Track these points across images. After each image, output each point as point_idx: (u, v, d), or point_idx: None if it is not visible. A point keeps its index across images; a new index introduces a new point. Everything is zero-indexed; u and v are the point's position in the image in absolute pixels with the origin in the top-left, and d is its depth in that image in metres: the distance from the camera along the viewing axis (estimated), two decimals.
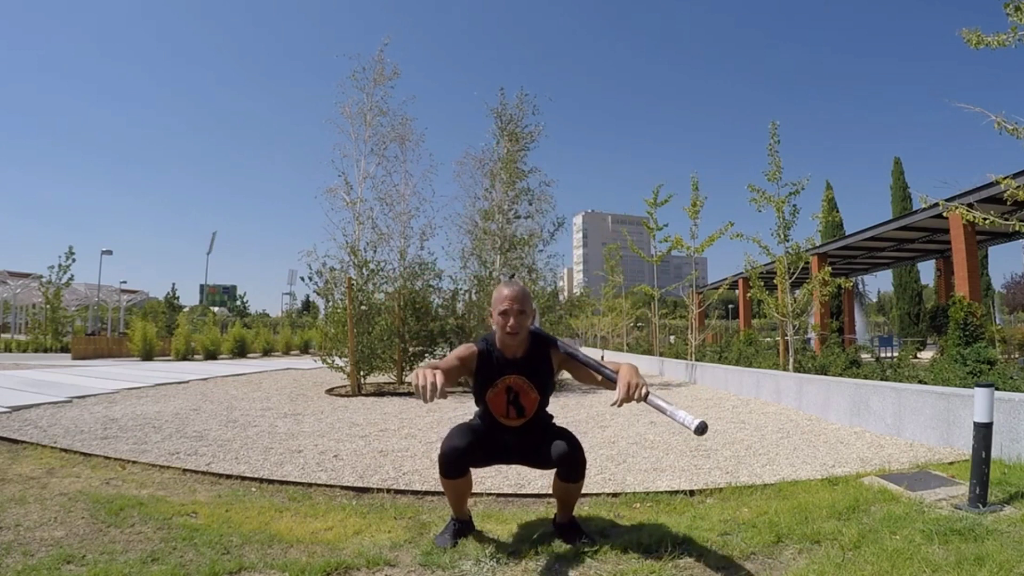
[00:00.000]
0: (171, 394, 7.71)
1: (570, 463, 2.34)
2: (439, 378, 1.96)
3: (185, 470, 3.68)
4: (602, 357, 20.22)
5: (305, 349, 25.93)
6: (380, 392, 8.39)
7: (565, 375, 2.57)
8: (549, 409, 2.54)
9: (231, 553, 2.27)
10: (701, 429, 1.87)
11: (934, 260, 20.38)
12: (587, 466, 2.43)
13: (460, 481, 2.37)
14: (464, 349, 2.41)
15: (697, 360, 11.64)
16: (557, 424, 2.55)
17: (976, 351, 6.49)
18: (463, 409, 5.77)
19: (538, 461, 2.47)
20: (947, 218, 11.76)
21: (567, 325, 14.88)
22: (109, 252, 35.99)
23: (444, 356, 9.57)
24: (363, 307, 8.80)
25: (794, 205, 8.49)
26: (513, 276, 2.44)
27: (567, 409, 6.37)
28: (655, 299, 15.22)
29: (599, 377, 2.30)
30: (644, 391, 2.05)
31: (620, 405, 2.04)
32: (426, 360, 9.68)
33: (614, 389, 2.11)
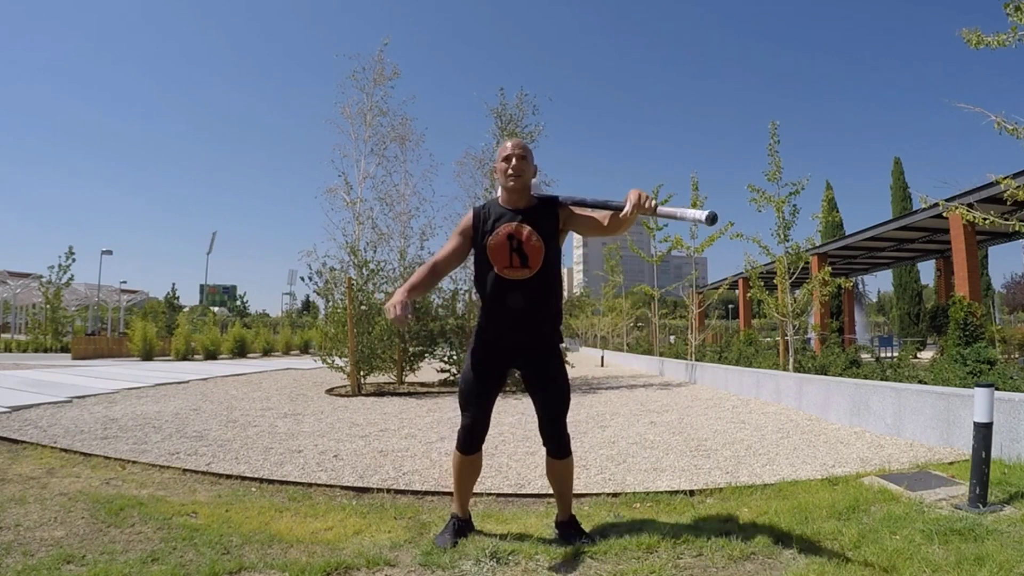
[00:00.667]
0: (171, 394, 7.71)
1: (554, 432, 2.41)
2: (403, 308, 2.12)
3: (185, 470, 3.68)
4: (602, 357, 20.22)
5: (305, 349, 25.94)
6: (380, 392, 8.39)
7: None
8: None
9: (231, 553, 2.27)
10: (712, 218, 1.96)
11: (934, 260, 20.38)
12: (571, 441, 2.48)
13: (471, 458, 2.43)
14: (463, 220, 2.46)
15: (697, 360, 11.64)
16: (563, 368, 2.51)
17: (976, 351, 6.49)
18: (453, 407, 5.76)
19: (537, 374, 2.41)
20: (947, 218, 11.76)
21: (567, 325, 14.87)
22: (109, 252, 36.00)
23: (444, 356, 9.59)
24: (363, 307, 8.80)
25: (794, 205, 8.49)
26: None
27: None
28: (655, 299, 15.22)
29: (610, 214, 2.26)
30: (653, 202, 2.08)
31: (630, 214, 2.09)
32: (425, 361, 9.68)
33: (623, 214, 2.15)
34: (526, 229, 2.33)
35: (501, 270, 2.33)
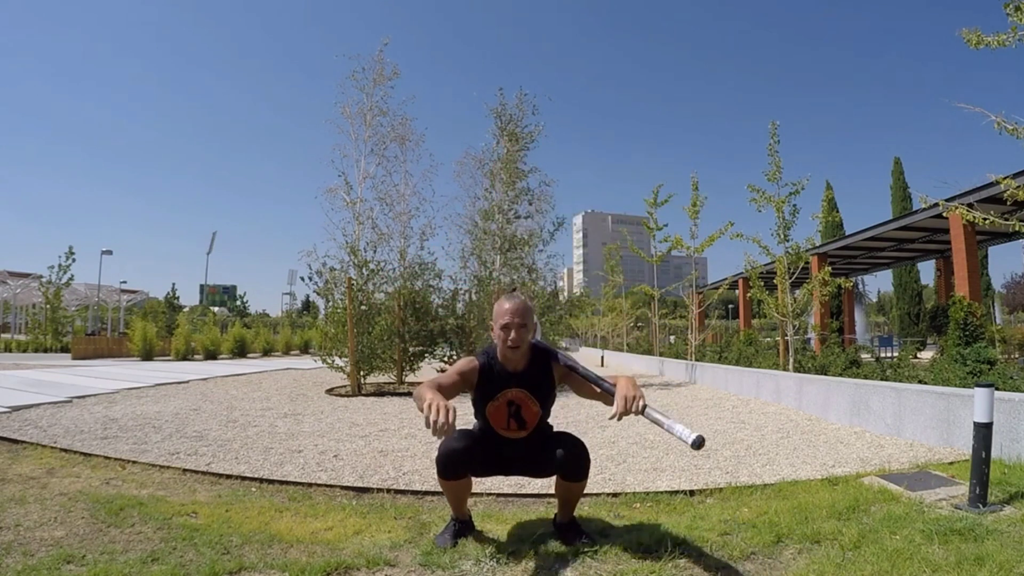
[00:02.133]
0: (171, 394, 7.71)
1: (574, 462, 2.34)
2: (452, 417, 1.85)
3: (185, 470, 3.68)
4: (602, 358, 20.23)
5: (305, 349, 25.92)
6: (380, 392, 8.39)
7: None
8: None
9: (231, 553, 2.27)
10: (698, 443, 1.86)
11: (934, 260, 20.39)
12: (591, 463, 2.43)
13: (459, 483, 2.37)
14: (466, 363, 2.39)
15: (697, 360, 11.64)
16: (556, 429, 2.54)
17: (976, 351, 6.49)
18: (462, 410, 5.75)
19: (539, 470, 2.47)
20: (947, 218, 11.76)
21: (567, 325, 14.87)
22: (109, 252, 36.04)
23: (444, 356, 9.59)
24: (363, 307, 8.79)
25: (794, 205, 8.50)
26: (515, 289, 2.46)
27: (567, 409, 6.36)
28: (655, 299, 15.22)
29: (598, 390, 2.29)
30: (641, 404, 2.05)
31: (618, 419, 2.05)
32: (425, 361, 9.68)
33: (611, 404, 2.11)
34: (525, 395, 2.36)
35: (499, 430, 2.40)
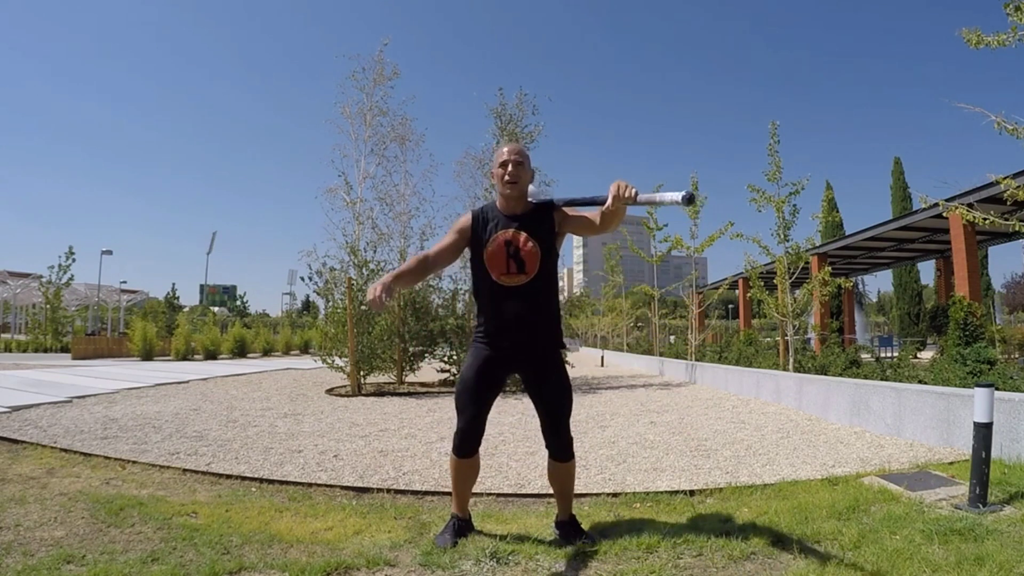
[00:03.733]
0: (171, 394, 7.71)
1: (556, 427, 2.39)
2: (381, 291, 2.06)
3: (185, 470, 3.68)
4: (602, 358, 20.22)
5: (305, 349, 25.93)
6: (380, 392, 8.39)
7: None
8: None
9: (231, 553, 2.27)
10: (688, 198, 1.95)
11: (934, 260, 20.39)
12: (573, 443, 2.46)
13: (469, 462, 2.42)
14: (461, 219, 2.45)
15: (697, 360, 11.64)
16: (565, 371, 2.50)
17: (976, 351, 6.49)
18: (449, 412, 5.75)
19: (537, 377, 2.40)
20: (947, 218, 11.76)
21: (567, 325, 14.87)
22: (109, 252, 36.01)
23: (444, 356, 9.58)
24: (363, 307, 8.79)
25: (794, 205, 8.49)
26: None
27: None
28: (655, 299, 15.22)
29: (600, 210, 2.26)
30: (632, 192, 2.08)
31: (612, 205, 2.09)
32: (425, 361, 9.68)
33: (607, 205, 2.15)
34: (522, 235, 2.34)
35: (498, 277, 2.35)
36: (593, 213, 2.33)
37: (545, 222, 2.39)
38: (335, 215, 9.07)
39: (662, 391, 8.86)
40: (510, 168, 2.35)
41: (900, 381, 5.99)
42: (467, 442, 2.40)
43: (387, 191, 9.38)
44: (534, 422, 2.52)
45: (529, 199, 2.44)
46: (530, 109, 10.04)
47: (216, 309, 59.41)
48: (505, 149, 2.39)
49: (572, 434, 2.48)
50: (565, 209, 2.40)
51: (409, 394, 8.26)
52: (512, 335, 2.36)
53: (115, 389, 7.87)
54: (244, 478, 3.51)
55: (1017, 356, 11.26)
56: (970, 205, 4.69)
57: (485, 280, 2.39)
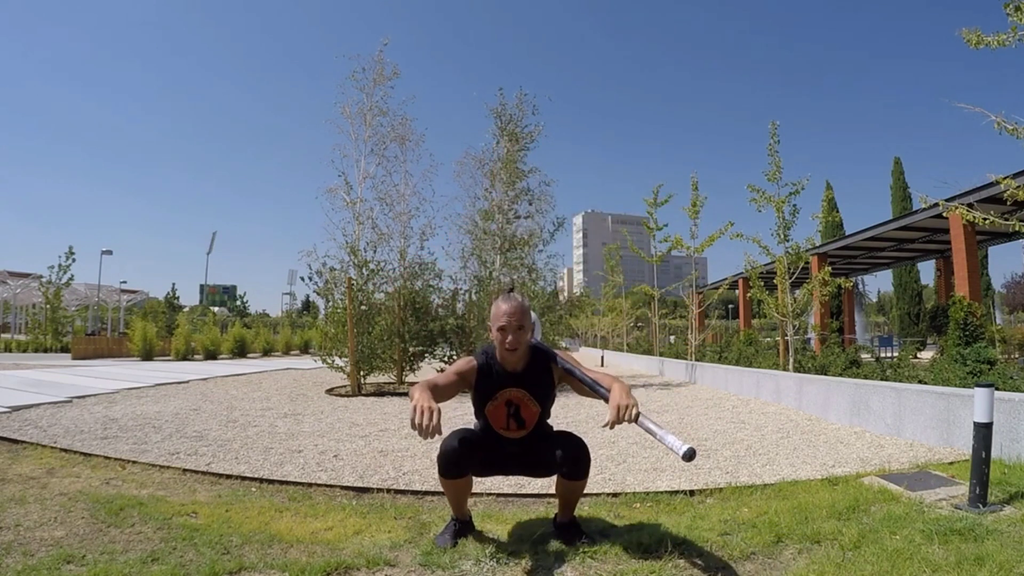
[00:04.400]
0: (171, 394, 7.71)
1: (574, 462, 2.33)
2: (436, 418, 1.88)
3: (185, 470, 3.68)
4: (602, 358, 20.23)
5: (305, 349, 25.93)
6: (380, 392, 8.39)
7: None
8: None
9: (231, 553, 2.27)
10: (689, 455, 1.85)
11: (934, 260, 20.39)
12: (591, 463, 2.42)
13: (459, 481, 2.37)
14: (464, 363, 2.39)
15: (697, 360, 11.64)
16: (556, 429, 2.54)
17: (976, 351, 6.49)
18: (463, 409, 5.75)
19: (539, 470, 2.48)
20: (947, 218, 11.76)
21: (567, 325, 14.86)
22: (109, 252, 36.04)
23: (444, 356, 9.59)
24: (363, 307, 8.80)
25: (794, 205, 8.50)
26: (512, 290, 2.46)
27: (567, 409, 6.36)
28: (655, 299, 15.23)
29: (595, 394, 2.29)
30: (634, 412, 2.04)
31: (611, 427, 2.05)
32: (425, 361, 9.68)
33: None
34: (524, 396, 2.37)
35: (499, 429, 2.41)
36: (587, 391, 2.32)
37: (545, 379, 2.40)
38: (335, 215, 9.08)
39: (662, 391, 8.86)
40: (510, 337, 2.29)
41: (900, 381, 5.99)
42: (455, 467, 2.32)
43: (387, 191, 9.39)
44: None
45: (529, 339, 2.38)
46: (530, 109, 10.05)
47: (216, 309, 59.44)
48: (504, 309, 2.30)
49: (566, 431, 2.48)
50: (564, 371, 2.38)
51: (409, 394, 8.25)
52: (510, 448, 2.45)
53: (115, 389, 7.87)
54: (244, 478, 3.51)
55: (1017, 356, 11.26)
56: (970, 205, 4.69)
57: (484, 422, 2.44)
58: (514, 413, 2.37)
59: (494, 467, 2.49)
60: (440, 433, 1.92)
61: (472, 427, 2.51)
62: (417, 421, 1.85)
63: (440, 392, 2.21)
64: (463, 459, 2.30)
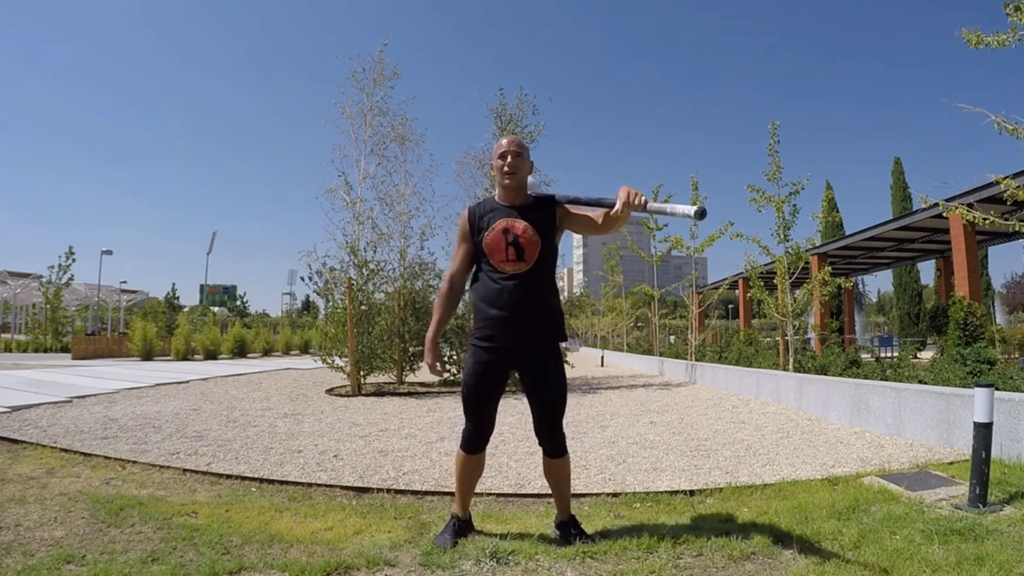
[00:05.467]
0: (171, 394, 7.71)
1: (551, 427, 2.42)
2: (431, 353, 2.41)
3: (185, 470, 3.68)
4: (602, 358, 20.21)
5: (305, 349, 25.92)
6: (380, 392, 8.39)
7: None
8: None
9: (231, 553, 2.27)
10: (701, 213, 1.94)
11: (934, 260, 20.38)
12: (566, 439, 2.49)
13: (477, 458, 2.44)
14: (460, 220, 2.49)
15: (697, 360, 11.64)
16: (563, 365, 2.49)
17: (976, 351, 6.49)
18: (455, 413, 5.76)
19: (536, 372, 2.39)
20: (947, 218, 11.76)
21: (567, 325, 14.88)
22: (109, 252, 36.00)
23: (444, 356, 9.60)
24: (363, 307, 8.79)
25: (794, 205, 8.49)
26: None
27: (567, 409, 6.35)
28: (655, 299, 15.22)
29: (603, 212, 2.27)
30: (643, 199, 2.10)
31: (621, 212, 2.12)
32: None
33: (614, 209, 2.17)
34: (521, 224, 2.35)
35: (497, 263, 2.34)
36: (596, 213, 2.34)
37: (545, 214, 2.40)
38: (335, 215, 9.08)
39: (662, 391, 8.86)
40: (509, 159, 2.37)
41: (900, 381, 5.99)
42: (476, 440, 2.43)
43: (387, 191, 9.39)
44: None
45: (528, 192, 2.45)
46: (530, 109, 10.04)
47: (216, 309, 59.39)
48: (504, 141, 2.42)
49: (569, 433, 2.49)
50: (568, 206, 2.41)
51: (409, 394, 8.26)
52: (513, 327, 2.32)
53: (115, 389, 7.87)
54: (244, 478, 3.51)
55: (1017, 356, 11.26)
56: (970, 205, 4.69)
57: (484, 269, 2.40)
58: (512, 241, 2.33)
59: (500, 369, 2.39)
60: (441, 364, 2.44)
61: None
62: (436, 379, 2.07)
63: (460, 269, 2.47)
64: (484, 422, 2.41)
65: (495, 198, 2.46)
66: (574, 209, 2.41)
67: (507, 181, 2.38)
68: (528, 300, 2.33)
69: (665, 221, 13.54)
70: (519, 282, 2.33)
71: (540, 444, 2.47)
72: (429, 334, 2.44)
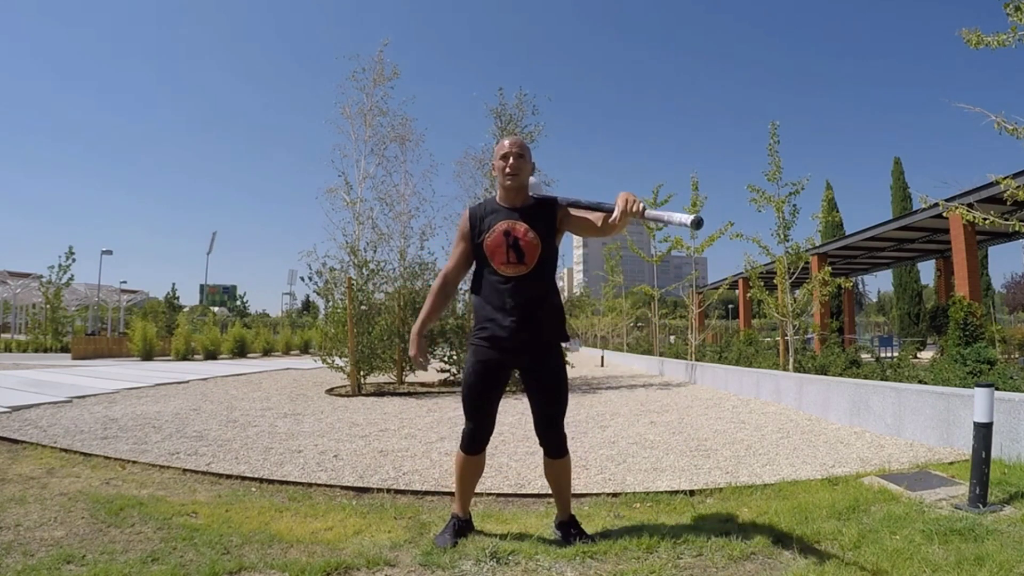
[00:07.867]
0: (171, 394, 7.71)
1: (551, 427, 2.42)
2: (415, 343, 2.45)
3: (185, 470, 3.68)
4: (602, 358, 20.21)
5: (305, 349, 25.90)
6: (380, 392, 8.39)
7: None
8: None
9: (231, 553, 2.27)
10: (697, 223, 1.94)
11: (934, 260, 20.37)
12: (567, 440, 2.48)
13: (476, 458, 2.44)
14: (460, 220, 2.50)
15: (697, 360, 11.64)
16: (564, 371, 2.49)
17: (976, 351, 6.49)
18: (456, 413, 5.75)
19: (537, 372, 2.38)
20: (947, 218, 11.75)
21: (567, 325, 14.86)
22: (109, 252, 35.96)
23: (444, 355, 9.59)
24: (363, 307, 8.79)
25: (794, 205, 8.49)
26: None
27: (567, 409, 6.35)
28: (655, 299, 15.21)
29: (603, 216, 2.28)
30: (640, 206, 2.10)
31: (619, 220, 2.11)
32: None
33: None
34: (522, 226, 2.35)
35: (498, 265, 2.35)
36: (595, 216, 2.34)
37: (546, 216, 2.40)
38: (335, 215, 9.08)
39: (662, 391, 8.86)
40: (511, 161, 2.37)
41: (900, 381, 5.99)
42: (477, 440, 2.44)
43: (387, 191, 9.39)
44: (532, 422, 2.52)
45: (530, 193, 2.45)
46: (530, 109, 10.03)
47: (216, 309, 59.35)
48: (506, 142, 2.42)
49: (569, 433, 2.49)
50: (568, 208, 2.41)
51: (409, 394, 8.26)
52: (513, 327, 2.32)
53: (115, 389, 7.87)
54: (244, 478, 3.51)
55: (1017, 356, 11.26)
56: (970, 205, 4.69)
57: (485, 271, 2.40)
58: (513, 244, 2.34)
59: (500, 370, 2.39)
60: (426, 356, 2.47)
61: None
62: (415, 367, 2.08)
63: (456, 268, 2.48)
64: (484, 422, 2.41)
65: (496, 199, 2.46)
66: (574, 211, 2.42)
67: (508, 183, 2.38)
68: (529, 301, 2.35)
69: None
70: (520, 284, 2.34)
71: (541, 444, 2.47)
72: (415, 326, 2.46)
